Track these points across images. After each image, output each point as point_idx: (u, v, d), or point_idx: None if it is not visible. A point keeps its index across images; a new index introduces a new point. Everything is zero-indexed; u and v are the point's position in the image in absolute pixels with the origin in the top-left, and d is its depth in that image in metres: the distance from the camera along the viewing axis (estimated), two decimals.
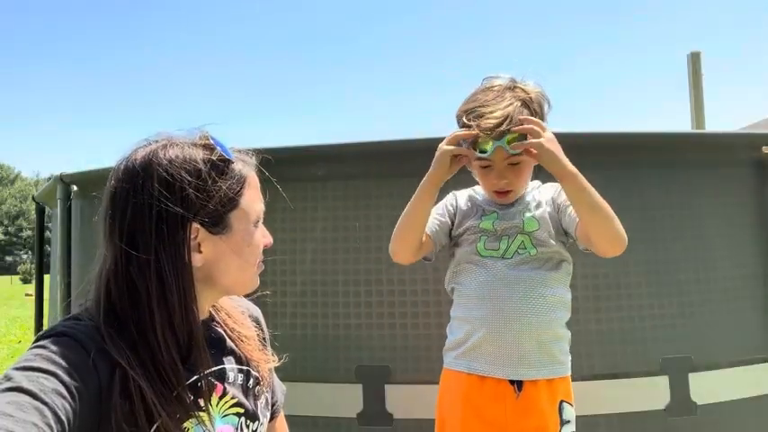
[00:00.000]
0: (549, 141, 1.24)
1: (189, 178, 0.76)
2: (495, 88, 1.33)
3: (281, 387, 1.10)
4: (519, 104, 1.29)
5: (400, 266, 1.85)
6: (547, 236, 1.38)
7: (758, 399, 1.85)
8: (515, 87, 1.33)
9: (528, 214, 1.40)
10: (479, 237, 1.41)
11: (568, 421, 1.34)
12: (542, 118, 1.34)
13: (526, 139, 1.26)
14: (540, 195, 1.45)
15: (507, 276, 1.35)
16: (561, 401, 1.34)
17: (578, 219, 1.30)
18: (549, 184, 1.46)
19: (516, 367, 1.33)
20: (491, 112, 1.26)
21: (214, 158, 0.79)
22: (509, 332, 1.33)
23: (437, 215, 1.48)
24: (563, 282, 1.40)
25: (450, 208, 1.49)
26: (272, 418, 1.05)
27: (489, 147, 1.27)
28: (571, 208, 1.33)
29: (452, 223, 1.47)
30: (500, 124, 1.25)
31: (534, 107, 1.32)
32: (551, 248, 1.38)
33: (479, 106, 1.30)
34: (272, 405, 1.04)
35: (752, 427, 1.85)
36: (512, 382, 1.33)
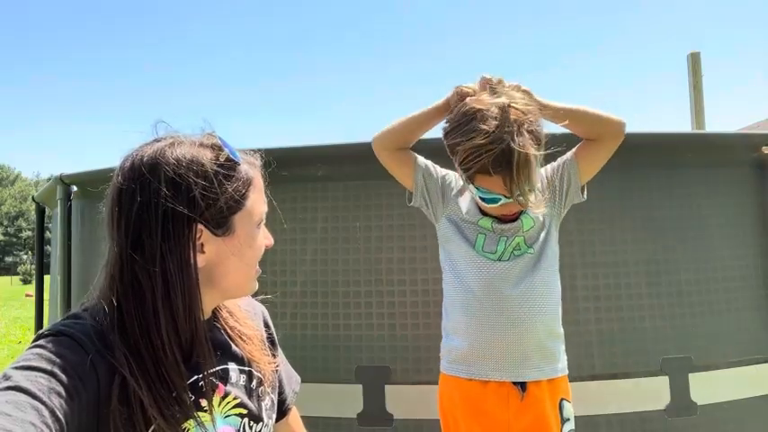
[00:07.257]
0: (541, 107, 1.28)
1: (196, 179, 0.75)
2: (491, 119, 1.17)
3: (292, 379, 1.07)
4: (528, 139, 1.17)
5: (400, 266, 1.86)
6: (538, 229, 1.38)
7: (758, 399, 1.85)
8: (509, 112, 1.18)
9: (525, 212, 1.36)
10: (477, 235, 1.38)
11: (568, 419, 1.35)
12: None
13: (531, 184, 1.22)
14: None
15: (507, 278, 1.34)
16: (561, 399, 1.35)
17: (583, 138, 1.40)
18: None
19: (519, 369, 1.32)
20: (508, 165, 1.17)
21: (221, 160, 0.79)
22: (512, 334, 1.32)
23: (435, 166, 1.48)
24: (556, 272, 1.41)
25: (444, 180, 1.46)
26: (284, 415, 1.03)
27: (499, 202, 1.26)
28: (563, 159, 1.39)
29: (441, 191, 1.45)
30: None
31: (532, 125, 1.21)
32: (541, 240, 1.38)
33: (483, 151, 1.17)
34: (282, 403, 1.02)
35: (752, 427, 1.85)
36: (515, 383, 1.32)
